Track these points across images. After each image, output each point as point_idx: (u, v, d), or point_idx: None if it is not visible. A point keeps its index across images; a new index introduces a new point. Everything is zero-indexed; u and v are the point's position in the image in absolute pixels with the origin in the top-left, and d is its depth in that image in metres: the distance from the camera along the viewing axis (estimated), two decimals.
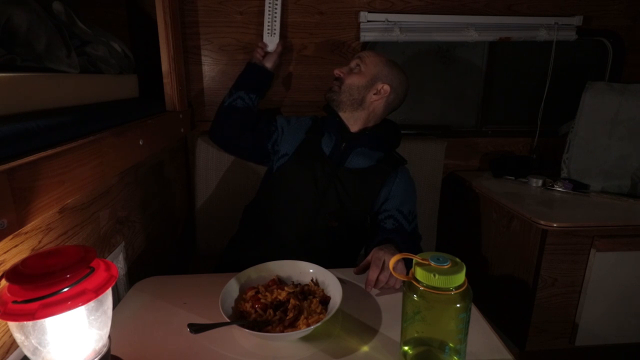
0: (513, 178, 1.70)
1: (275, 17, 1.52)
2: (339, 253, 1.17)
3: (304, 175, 1.17)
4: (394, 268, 0.62)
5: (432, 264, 0.56)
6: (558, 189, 1.56)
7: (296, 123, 1.31)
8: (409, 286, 0.58)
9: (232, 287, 0.79)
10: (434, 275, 0.54)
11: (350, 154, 1.20)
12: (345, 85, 1.21)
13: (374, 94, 1.21)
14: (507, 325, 1.47)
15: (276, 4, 1.51)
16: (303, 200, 1.16)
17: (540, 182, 1.60)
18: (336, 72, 1.24)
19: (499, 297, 1.52)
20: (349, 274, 0.92)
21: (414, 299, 0.56)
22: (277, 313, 0.73)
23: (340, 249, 1.18)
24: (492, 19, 1.63)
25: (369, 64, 1.22)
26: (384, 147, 1.24)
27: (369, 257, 0.89)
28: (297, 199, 1.16)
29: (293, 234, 1.14)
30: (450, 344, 0.58)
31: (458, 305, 0.55)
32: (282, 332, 0.70)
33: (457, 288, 0.55)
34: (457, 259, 0.58)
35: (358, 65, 1.22)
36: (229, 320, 0.69)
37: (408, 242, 1.03)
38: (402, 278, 0.60)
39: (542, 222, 1.26)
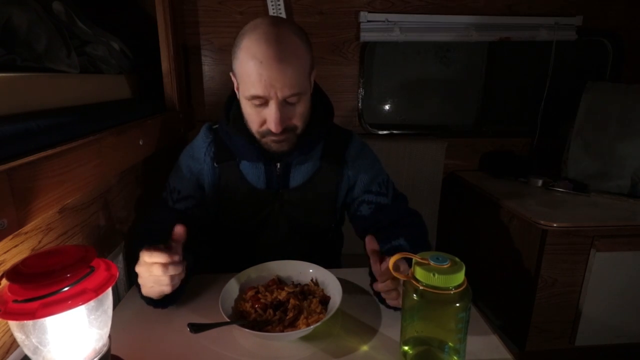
0: (513, 178, 1.70)
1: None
2: (320, 260, 0.92)
3: (249, 223, 0.96)
4: (394, 268, 0.62)
5: (432, 263, 0.56)
6: (558, 189, 1.56)
7: (194, 164, 0.96)
8: (409, 285, 0.58)
9: (232, 287, 0.79)
10: (434, 275, 0.54)
11: (290, 171, 0.94)
12: (300, 127, 0.87)
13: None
14: (507, 325, 1.47)
15: (278, 5, 1.51)
16: (258, 248, 0.99)
17: (540, 182, 1.60)
18: (277, 128, 0.81)
19: (499, 297, 1.52)
20: (349, 273, 0.92)
21: (414, 299, 0.56)
22: (277, 313, 0.73)
23: (319, 258, 0.97)
24: (492, 19, 1.63)
25: (302, 74, 0.81)
26: (320, 136, 0.95)
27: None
28: (247, 240, 0.99)
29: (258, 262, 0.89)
30: (450, 344, 0.58)
31: (457, 305, 0.55)
32: (282, 332, 0.70)
33: (456, 287, 0.55)
34: (457, 259, 0.58)
35: (296, 94, 0.80)
36: (229, 320, 0.69)
37: (414, 237, 0.87)
38: (401, 277, 0.60)
39: (542, 222, 1.26)
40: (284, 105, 0.81)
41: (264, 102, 0.80)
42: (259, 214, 0.96)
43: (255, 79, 0.77)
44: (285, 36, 0.79)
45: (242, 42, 0.80)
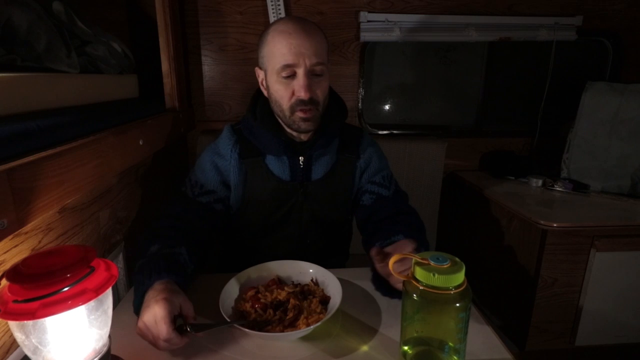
0: (513, 178, 1.70)
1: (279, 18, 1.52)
2: (328, 258, 1.05)
3: (273, 217, 1.01)
4: (394, 268, 0.62)
5: (432, 263, 0.56)
6: (558, 189, 1.56)
7: (220, 160, 1.00)
8: (409, 286, 0.58)
9: (232, 287, 0.79)
10: (434, 275, 0.54)
11: (312, 164, 1.00)
12: (322, 104, 0.94)
13: None
14: (507, 325, 1.47)
15: (278, 5, 1.51)
16: (278, 243, 1.03)
17: (540, 182, 1.60)
18: (306, 95, 0.88)
19: (499, 297, 1.52)
20: (349, 273, 0.92)
21: (414, 299, 0.56)
22: (277, 313, 0.73)
23: (328, 255, 1.09)
24: (492, 19, 1.63)
25: (324, 50, 0.91)
26: (336, 131, 1.03)
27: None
28: (267, 234, 1.03)
29: (271, 258, 0.91)
30: (450, 344, 0.58)
31: (457, 305, 0.55)
32: (282, 332, 0.70)
33: (456, 287, 0.55)
34: (457, 259, 0.58)
35: (322, 64, 0.90)
36: (229, 320, 0.69)
37: (412, 233, 0.89)
38: (401, 278, 0.60)
39: (542, 222, 1.26)
40: (311, 76, 0.89)
41: (292, 73, 0.89)
42: (283, 206, 1.00)
43: (285, 49, 0.87)
44: (308, 21, 0.92)
45: (269, 29, 0.91)
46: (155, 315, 0.64)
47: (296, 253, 0.91)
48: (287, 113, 0.92)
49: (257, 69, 0.97)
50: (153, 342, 0.65)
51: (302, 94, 0.88)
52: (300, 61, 0.87)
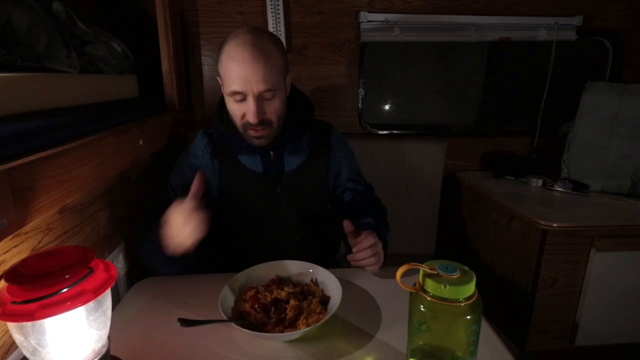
0: (513, 178, 1.70)
1: (279, 18, 1.52)
2: (319, 252, 1.10)
3: (250, 211, 1.03)
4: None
5: (441, 273, 0.53)
6: (558, 189, 1.56)
7: (193, 160, 1.03)
8: (415, 297, 0.55)
9: (232, 287, 0.79)
10: (445, 286, 0.51)
11: (283, 156, 1.04)
12: (276, 122, 0.96)
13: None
14: (507, 325, 1.47)
15: (278, 5, 1.51)
16: (258, 231, 1.04)
17: (540, 182, 1.60)
18: (254, 120, 0.90)
19: (499, 297, 1.52)
20: (349, 274, 0.92)
21: (421, 310, 0.54)
22: (276, 313, 0.73)
23: (318, 248, 1.11)
24: (492, 19, 1.63)
25: (275, 73, 0.91)
26: (305, 127, 1.06)
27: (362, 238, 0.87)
28: (252, 231, 1.05)
29: (264, 258, 0.93)
30: (459, 355, 0.55)
31: (468, 317, 0.52)
32: (282, 332, 0.70)
33: (466, 299, 0.52)
34: (466, 267, 0.54)
35: (271, 90, 0.90)
36: (225, 319, 0.69)
37: (378, 217, 1.06)
38: (409, 289, 0.57)
39: (542, 222, 1.26)
40: (260, 100, 0.91)
41: (243, 97, 0.91)
42: (260, 199, 1.03)
43: (234, 76, 0.89)
44: (260, 41, 0.91)
45: (224, 47, 0.92)
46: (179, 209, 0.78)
47: (284, 248, 0.94)
48: (241, 130, 0.96)
49: (217, 76, 0.97)
50: (181, 223, 0.77)
51: (250, 119, 0.91)
52: (248, 89, 0.89)
